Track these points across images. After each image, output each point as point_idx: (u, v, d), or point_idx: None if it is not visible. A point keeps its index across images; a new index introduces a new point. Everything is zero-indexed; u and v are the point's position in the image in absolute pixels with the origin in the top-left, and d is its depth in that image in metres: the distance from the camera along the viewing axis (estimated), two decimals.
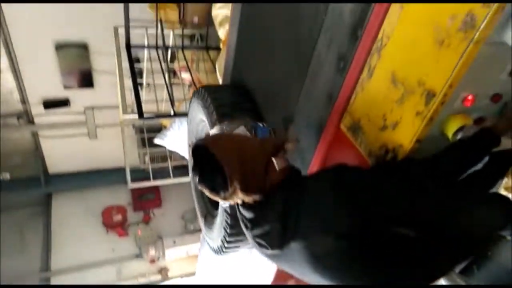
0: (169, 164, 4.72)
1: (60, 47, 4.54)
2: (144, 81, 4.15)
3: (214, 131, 1.81)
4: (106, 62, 4.49)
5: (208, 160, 0.95)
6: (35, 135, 5.34)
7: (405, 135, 1.08)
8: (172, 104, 3.06)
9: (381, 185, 1.02)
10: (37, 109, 5.01)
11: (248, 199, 1.00)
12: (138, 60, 4.39)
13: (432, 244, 1.10)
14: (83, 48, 4.65)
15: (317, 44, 1.41)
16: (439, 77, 0.95)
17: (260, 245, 1.04)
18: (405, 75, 1.05)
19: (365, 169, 1.10)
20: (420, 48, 0.99)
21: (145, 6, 3.90)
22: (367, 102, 1.21)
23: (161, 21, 3.43)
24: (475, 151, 1.06)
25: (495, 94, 1.06)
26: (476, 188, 1.41)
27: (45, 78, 4.74)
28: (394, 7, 1.05)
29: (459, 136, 1.10)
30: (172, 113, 3.04)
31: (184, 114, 2.76)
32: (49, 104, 5.02)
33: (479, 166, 1.64)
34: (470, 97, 1.02)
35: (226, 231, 1.89)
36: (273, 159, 1.04)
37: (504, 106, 1.09)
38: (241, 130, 1.86)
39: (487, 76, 0.99)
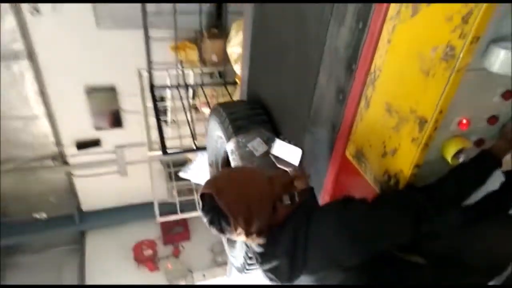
0: (195, 196, 4.84)
1: (90, 91, 4.91)
2: (169, 118, 4.38)
3: (230, 144, 1.89)
4: (134, 103, 4.79)
5: (214, 207, 1.03)
6: (69, 175, 5.67)
7: (404, 161, 1.12)
8: (194, 139, 3.21)
9: (385, 216, 1.05)
10: (70, 150, 5.37)
11: (254, 242, 1.06)
12: (162, 99, 4.66)
13: (445, 272, 1.11)
14: (111, 90, 5.00)
15: (319, 75, 1.49)
16: (428, 105, 1.00)
17: (270, 278, 1.09)
18: (398, 104, 1.11)
19: (371, 200, 1.12)
20: (408, 78, 1.05)
21: (167, 48, 4.18)
22: (367, 131, 1.27)
23: (181, 62, 3.67)
24: (476, 173, 1.07)
25: (491, 116, 1.08)
26: (491, 209, 1.41)
27: (77, 120, 5.10)
28: (382, 41, 1.12)
29: (461, 159, 1.12)
30: (194, 147, 3.19)
31: (205, 148, 2.89)
32: (82, 145, 5.36)
33: (497, 186, 1.62)
34: (465, 121, 1.06)
35: (247, 247, 1.92)
36: (283, 197, 1.08)
37: (502, 128, 1.11)
38: (257, 141, 1.93)
39: (479, 99, 1.03)
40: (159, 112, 3.23)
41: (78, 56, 4.46)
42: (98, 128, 5.26)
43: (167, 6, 3.49)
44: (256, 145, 1.90)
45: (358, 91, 1.26)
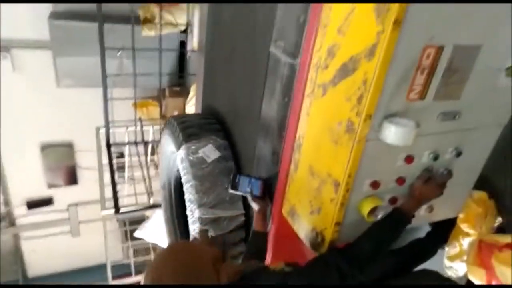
0: (151, 256, 4.70)
1: (45, 148, 4.85)
2: (126, 175, 4.38)
3: (180, 152, 1.83)
4: (90, 159, 4.77)
5: None
6: (16, 237, 5.36)
7: (327, 219, 1.25)
8: (149, 195, 3.24)
9: (314, 279, 1.13)
10: (19, 210, 5.13)
11: None
12: (122, 155, 4.68)
13: None
14: (68, 146, 4.97)
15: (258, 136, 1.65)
16: (339, 170, 1.16)
17: None
18: (318, 168, 1.27)
19: (304, 265, 1.19)
20: (323, 146, 1.22)
21: (129, 105, 4.31)
22: (297, 190, 1.41)
23: (140, 119, 3.80)
24: (389, 231, 1.21)
25: (398, 177, 1.26)
26: (414, 256, 1.58)
27: (29, 178, 4.96)
28: (303, 114, 1.31)
29: (378, 216, 1.28)
30: (149, 204, 3.20)
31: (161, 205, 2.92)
32: (32, 204, 5.16)
33: (422, 234, 1.80)
34: (375, 183, 1.23)
35: None
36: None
37: (410, 186, 1.29)
38: (208, 148, 1.87)
39: (384, 164, 1.21)
40: (114, 170, 3.25)
41: (35, 113, 4.48)
42: (51, 185, 5.12)
43: (129, 66, 3.69)
44: (208, 152, 1.85)
45: (288, 155, 1.43)
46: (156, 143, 4.09)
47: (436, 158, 1.25)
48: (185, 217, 1.99)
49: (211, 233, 1.76)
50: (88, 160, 4.89)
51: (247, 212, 1.81)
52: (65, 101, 4.44)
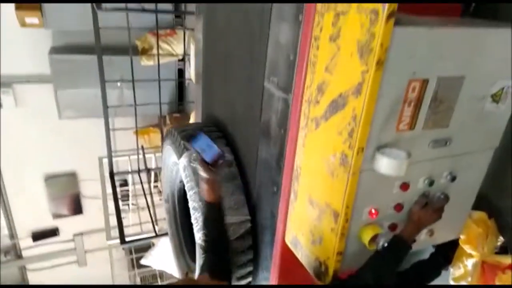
0: (159, 282, 4.69)
1: (49, 178, 4.92)
2: (130, 203, 4.42)
3: (182, 160, 1.82)
4: (94, 188, 4.83)
5: None
6: (22, 269, 5.37)
7: (328, 249, 1.28)
8: (154, 224, 3.26)
9: None
10: (25, 243, 5.16)
11: None
12: (126, 183, 4.73)
13: None
14: (72, 175, 5.04)
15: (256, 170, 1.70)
16: (337, 200, 1.20)
17: None
18: (317, 198, 1.31)
19: None
20: (320, 177, 1.26)
21: (131, 133, 4.39)
22: (298, 220, 1.45)
23: (142, 147, 3.86)
24: (390, 260, 1.24)
25: (396, 204, 1.30)
26: (419, 276, 1.59)
27: (34, 210, 5.01)
28: (299, 145, 1.36)
29: (380, 243, 1.31)
30: (154, 233, 3.22)
31: (167, 233, 2.95)
32: (38, 236, 5.19)
33: (426, 255, 1.81)
34: (373, 211, 1.26)
35: None
36: None
37: (409, 212, 1.33)
38: None
39: (381, 192, 1.25)
40: (118, 200, 3.30)
41: (38, 146, 4.56)
42: (56, 216, 5.16)
43: (130, 96, 3.78)
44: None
45: (287, 185, 1.47)
46: (159, 170, 4.14)
47: (431, 183, 1.29)
48: (190, 229, 1.96)
49: None
50: (92, 189, 4.94)
51: (253, 218, 1.79)
52: (67, 132, 4.53)
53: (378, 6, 0.92)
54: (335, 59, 1.10)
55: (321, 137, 1.24)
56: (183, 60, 3.93)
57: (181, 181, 1.97)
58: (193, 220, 1.85)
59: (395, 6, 0.92)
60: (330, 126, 1.18)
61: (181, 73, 4.10)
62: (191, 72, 3.23)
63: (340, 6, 1.04)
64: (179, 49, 3.75)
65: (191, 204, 1.85)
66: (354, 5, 1.00)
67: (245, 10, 1.67)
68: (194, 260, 2.13)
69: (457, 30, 1.07)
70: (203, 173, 1.37)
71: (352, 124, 1.09)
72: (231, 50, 1.92)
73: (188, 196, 1.87)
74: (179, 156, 1.92)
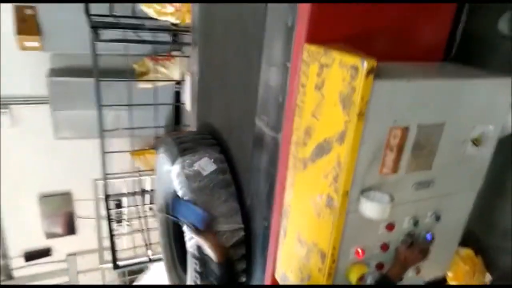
0: None
1: (43, 198, 4.94)
2: (125, 226, 4.43)
3: (176, 167, 1.80)
4: (89, 208, 4.86)
5: None
6: None
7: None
8: (148, 248, 3.28)
9: None
10: (17, 263, 5.14)
11: None
12: (120, 204, 4.75)
13: None
14: (66, 195, 5.05)
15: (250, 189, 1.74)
16: (324, 241, 1.24)
17: None
18: (305, 237, 1.35)
19: None
20: (308, 217, 1.31)
21: (126, 154, 4.44)
22: (287, 257, 1.48)
23: (139, 169, 3.91)
24: None
25: (382, 244, 1.34)
26: None
27: (27, 229, 5.00)
28: (288, 184, 1.41)
29: (367, 281, 1.34)
30: (147, 258, 3.24)
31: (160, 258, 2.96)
32: (31, 256, 5.17)
33: None
34: (360, 251, 1.30)
35: (196, 275, 1.83)
36: None
37: (395, 251, 1.37)
38: (204, 160, 1.84)
39: (367, 233, 1.29)
40: (112, 224, 3.32)
41: (34, 165, 4.60)
42: (49, 235, 5.16)
43: (126, 117, 3.85)
44: (204, 164, 1.83)
45: (277, 222, 1.51)
46: (154, 192, 4.17)
47: (416, 223, 1.33)
48: (182, 241, 1.95)
49: None
50: (86, 209, 4.96)
51: (246, 226, 1.78)
52: (63, 152, 4.57)
53: (358, 62, 0.99)
54: (320, 107, 1.16)
55: (308, 178, 1.29)
56: (180, 83, 4.01)
57: (175, 191, 1.95)
58: (184, 228, 1.78)
59: (374, 62, 0.98)
60: (316, 168, 1.24)
61: (178, 96, 4.18)
62: (185, 100, 3.31)
63: (324, 59, 1.11)
64: (176, 73, 3.84)
65: None
66: (337, 59, 1.06)
67: (238, 49, 1.75)
68: (185, 271, 2.12)
69: (435, 82, 1.14)
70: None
71: (337, 169, 1.14)
72: (225, 81, 1.99)
73: None
74: (172, 163, 1.90)
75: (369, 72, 0.99)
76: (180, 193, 1.85)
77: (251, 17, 1.56)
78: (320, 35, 1.19)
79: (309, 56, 1.17)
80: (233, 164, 1.91)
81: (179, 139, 2.00)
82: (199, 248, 1.67)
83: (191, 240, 1.77)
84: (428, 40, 1.40)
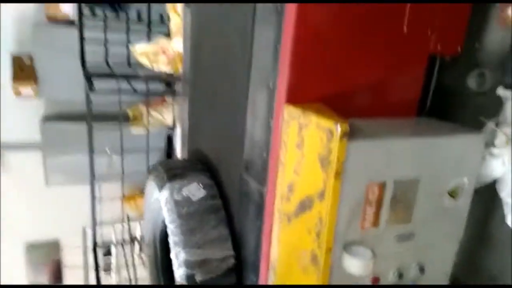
0: None
1: (30, 246, 4.87)
2: (113, 276, 4.36)
3: (164, 193, 1.79)
4: (77, 256, 4.78)
5: None
6: None
7: None
8: None
9: None
10: None
11: None
12: (109, 251, 4.69)
13: None
14: (54, 243, 4.98)
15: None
16: None
17: None
18: None
19: None
20: (294, 272, 1.35)
21: (118, 200, 4.45)
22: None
23: (128, 216, 3.91)
24: None
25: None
26: None
27: (9, 280, 4.88)
28: (274, 239, 1.46)
29: None
30: None
31: None
32: None
33: None
34: None
35: None
36: None
37: None
38: (194, 186, 1.83)
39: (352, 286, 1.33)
40: (100, 274, 3.28)
41: (21, 214, 4.58)
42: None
43: (119, 162, 3.91)
44: (193, 190, 1.84)
45: (265, 277, 1.54)
46: (144, 240, 4.15)
47: (400, 276, 1.37)
48: (171, 273, 1.89)
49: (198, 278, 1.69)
50: (74, 257, 4.88)
51: (237, 253, 1.76)
52: (53, 199, 4.57)
53: (332, 126, 1.08)
54: (301, 165, 1.24)
55: (293, 233, 1.34)
56: (173, 128, 4.12)
57: (163, 221, 1.92)
58: (172, 256, 1.79)
59: (347, 126, 1.08)
60: (300, 224, 1.29)
61: (170, 140, 4.28)
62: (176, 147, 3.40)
63: (302, 119, 1.21)
64: (169, 117, 3.96)
65: (171, 239, 1.80)
66: (314, 121, 1.16)
67: (225, 100, 1.87)
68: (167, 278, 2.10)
69: (409, 140, 1.23)
70: None
71: (319, 226, 1.20)
72: (215, 131, 2.08)
73: (168, 231, 1.82)
74: (161, 188, 1.90)
75: (343, 135, 1.07)
76: (168, 220, 1.83)
77: (237, 75, 1.68)
78: (299, 96, 1.29)
79: (289, 116, 1.27)
80: (223, 189, 1.92)
81: (168, 165, 2.03)
82: (188, 278, 1.67)
83: (180, 269, 1.74)
84: (403, 95, 1.51)
